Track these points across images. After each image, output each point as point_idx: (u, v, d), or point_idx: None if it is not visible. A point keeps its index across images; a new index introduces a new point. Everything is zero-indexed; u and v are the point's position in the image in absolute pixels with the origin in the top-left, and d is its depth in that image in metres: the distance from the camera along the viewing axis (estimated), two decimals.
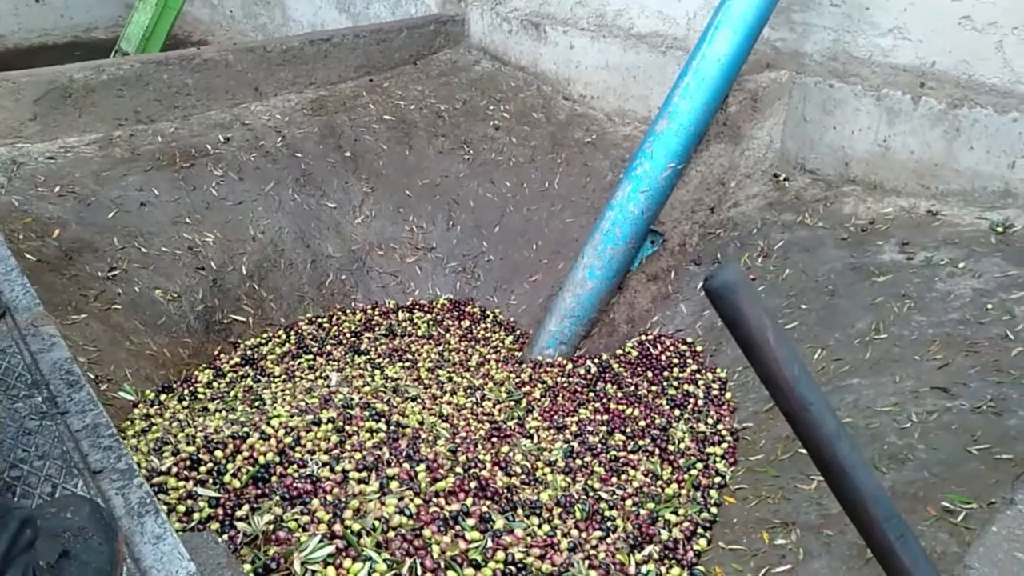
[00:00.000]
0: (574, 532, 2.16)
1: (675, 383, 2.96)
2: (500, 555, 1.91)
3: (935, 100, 3.20)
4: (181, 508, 2.02)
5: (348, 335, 3.55)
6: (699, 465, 2.50)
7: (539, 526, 2.13)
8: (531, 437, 2.73)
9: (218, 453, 2.20)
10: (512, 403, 2.99)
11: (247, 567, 1.73)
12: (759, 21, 3.22)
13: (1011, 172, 3.06)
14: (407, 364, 3.28)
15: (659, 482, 2.46)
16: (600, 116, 4.48)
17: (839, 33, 3.41)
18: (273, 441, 2.26)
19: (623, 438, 2.68)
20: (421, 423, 2.65)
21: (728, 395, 2.86)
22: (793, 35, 3.57)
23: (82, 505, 1.28)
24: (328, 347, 3.42)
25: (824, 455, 0.91)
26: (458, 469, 2.30)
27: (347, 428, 2.42)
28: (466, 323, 3.75)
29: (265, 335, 3.53)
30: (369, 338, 3.53)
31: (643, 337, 3.29)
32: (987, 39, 3.00)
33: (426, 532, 1.89)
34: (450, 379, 3.16)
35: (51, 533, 1.19)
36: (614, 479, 2.47)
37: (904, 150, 3.35)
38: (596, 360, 3.21)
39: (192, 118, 4.12)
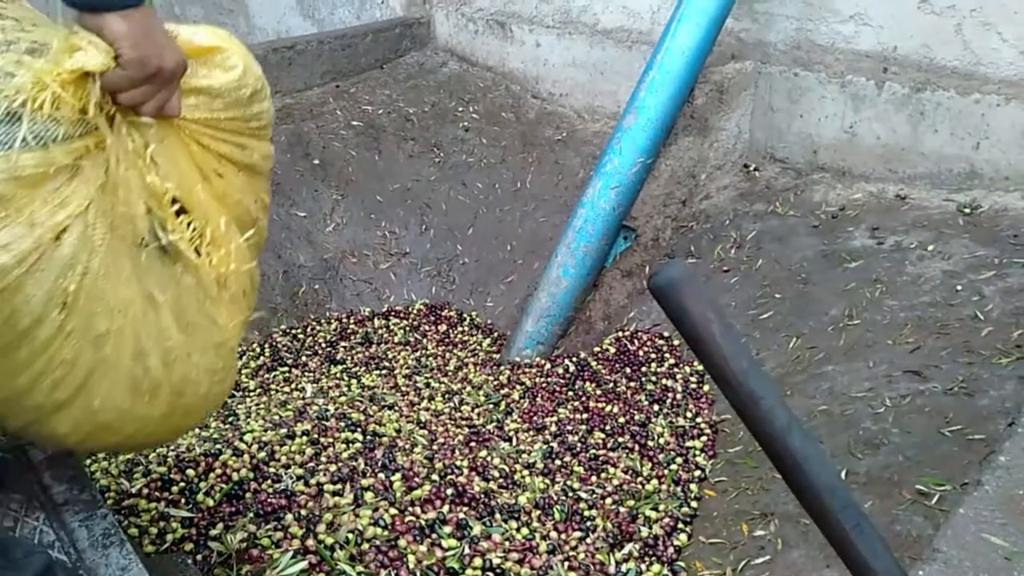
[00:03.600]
0: (553, 534, 2.14)
1: (653, 378, 2.95)
2: (478, 561, 1.89)
3: (899, 85, 3.22)
4: (153, 530, 1.98)
5: (323, 345, 3.51)
6: (679, 459, 2.49)
7: (517, 530, 2.11)
8: (510, 440, 2.71)
9: (190, 472, 2.16)
10: (491, 406, 2.97)
11: None
12: (721, 12, 3.22)
13: (975, 153, 3.09)
14: (384, 372, 3.25)
15: (639, 479, 2.45)
16: (570, 113, 4.47)
17: (802, 21, 3.42)
18: (247, 457, 2.23)
19: (602, 436, 2.67)
20: (398, 431, 2.62)
21: (706, 388, 2.85)
22: (756, 25, 3.58)
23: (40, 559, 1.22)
24: (303, 358, 3.38)
25: (776, 448, 0.90)
26: (434, 476, 2.28)
27: (322, 440, 2.39)
28: (443, 327, 3.72)
29: (239, 349, 3.49)
30: (345, 347, 3.49)
31: (620, 333, 3.29)
32: (946, 22, 3.02)
33: (401, 542, 1.87)
34: (428, 385, 3.13)
35: None
36: (594, 478, 2.45)
37: (871, 135, 3.37)
38: (574, 359, 3.20)
39: None
